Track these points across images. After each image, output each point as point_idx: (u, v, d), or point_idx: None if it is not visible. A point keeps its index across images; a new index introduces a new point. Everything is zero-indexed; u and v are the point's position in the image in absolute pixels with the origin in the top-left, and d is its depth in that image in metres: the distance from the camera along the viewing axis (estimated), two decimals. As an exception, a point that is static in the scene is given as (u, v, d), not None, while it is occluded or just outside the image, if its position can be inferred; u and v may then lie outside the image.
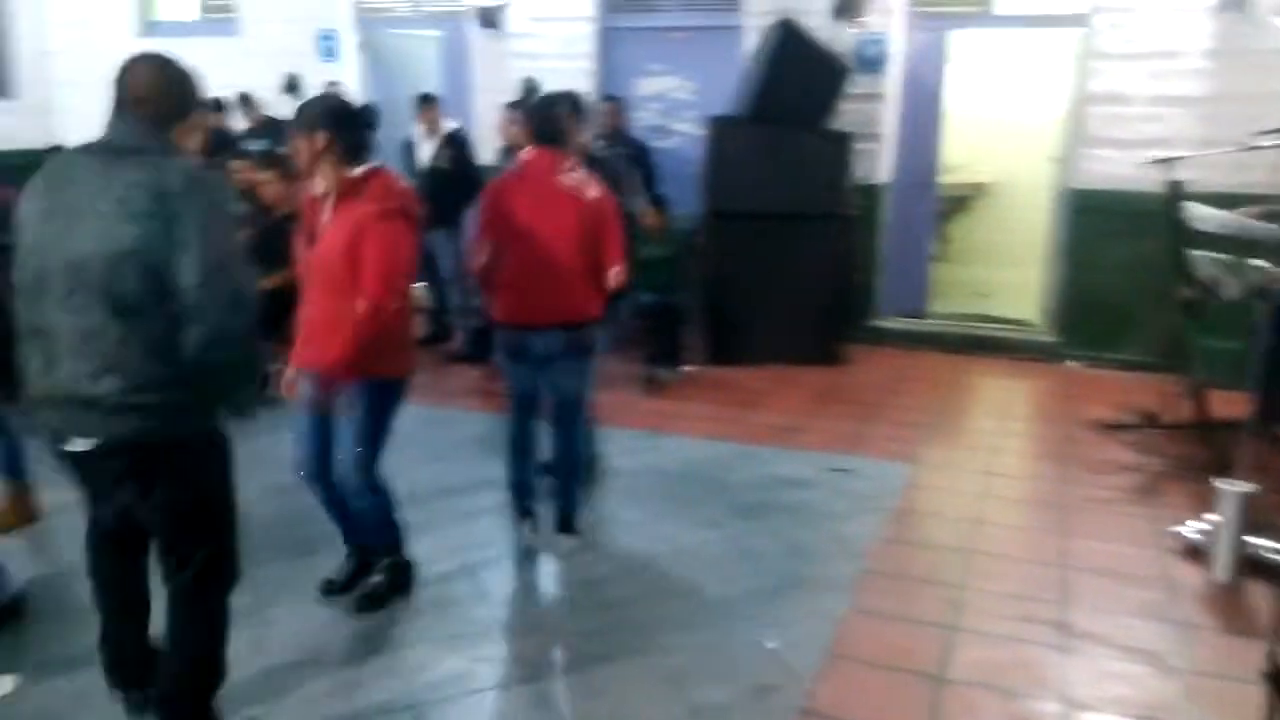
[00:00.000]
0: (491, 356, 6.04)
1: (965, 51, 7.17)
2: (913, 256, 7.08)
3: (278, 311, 5.18)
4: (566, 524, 3.64)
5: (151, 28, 8.80)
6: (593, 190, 3.32)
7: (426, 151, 6.58)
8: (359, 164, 2.83)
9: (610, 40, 7.51)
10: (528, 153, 3.37)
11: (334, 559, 3.29)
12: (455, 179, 6.44)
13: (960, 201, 8.64)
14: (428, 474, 4.24)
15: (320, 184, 2.84)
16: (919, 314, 7.07)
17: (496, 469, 3.68)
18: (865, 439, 4.94)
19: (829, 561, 3.56)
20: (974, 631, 3.07)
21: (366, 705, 2.66)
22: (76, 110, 8.72)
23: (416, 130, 6.69)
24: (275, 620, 3.05)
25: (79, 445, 2.09)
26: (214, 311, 1.98)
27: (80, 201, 2.01)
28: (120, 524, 2.34)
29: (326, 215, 2.84)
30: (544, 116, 3.36)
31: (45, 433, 2.17)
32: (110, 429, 2.06)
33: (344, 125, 2.82)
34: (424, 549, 3.42)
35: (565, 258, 3.26)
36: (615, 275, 3.36)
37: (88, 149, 2.11)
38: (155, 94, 2.10)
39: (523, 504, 3.63)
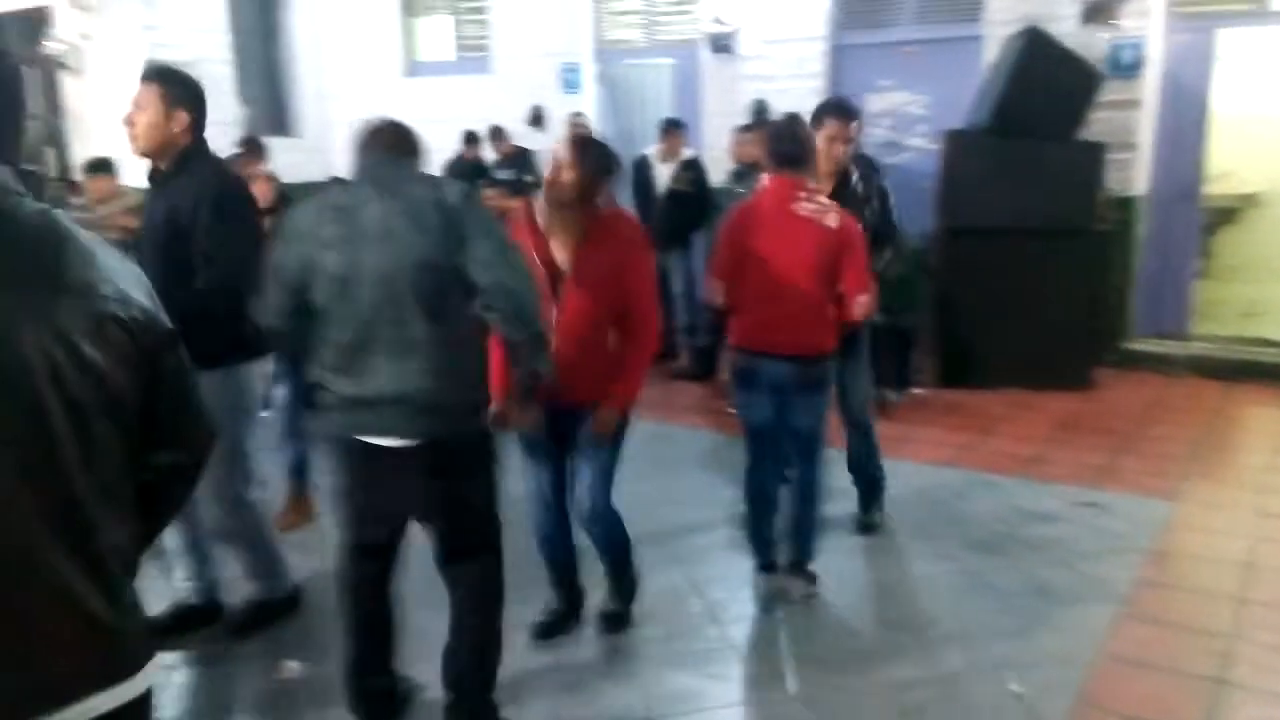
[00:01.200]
0: (716, 375, 6.20)
1: (1235, 52, 6.54)
2: (1173, 273, 6.54)
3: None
4: (800, 567, 3.48)
5: (415, 68, 9.65)
6: (833, 217, 3.19)
7: (664, 174, 6.82)
8: (603, 201, 2.92)
9: (841, 58, 7.47)
10: (766, 179, 3.31)
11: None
12: (691, 202, 6.64)
13: (1228, 213, 7.84)
14: (654, 490, 4.29)
15: (558, 218, 2.87)
16: (1179, 336, 6.51)
17: (721, 485, 3.75)
18: (1117, 472, 4.62)
19: (1079, 603, 3.37)
20: (1246, 688, 2.82)
21: (605, 713, 2.80)
22: (348, 146, 9.71)
23: (654, 152, 6.95)
24: (510, 628, 3.20)
25: (389, 442, 2.38)
26: (513, 289, 2.32)
27: (377, 224, 2.32)
28: (385, 536, 2.57)
29: (559, 250, 2.88)
30: (781, 141, 3.28)
31: (349, 433, 2.43)
32: (420, 427, 2.37)
33: (613, 168, 2.94)
34: (654, 565, 3.49)
35: (802, 288, 3.18)
36: (861, 305, 3.22)
37: (364, 182, 2.44)
38: (403, 139, 2.56)
39: (763, 558, 3.49)
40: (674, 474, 4.64)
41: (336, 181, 9.10)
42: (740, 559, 3.69)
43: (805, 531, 3.47)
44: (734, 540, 3.83)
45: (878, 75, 7.39)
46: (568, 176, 2.78)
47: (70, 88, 9.12)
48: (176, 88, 2.91)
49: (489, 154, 8.41)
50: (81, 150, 9.07)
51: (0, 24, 9.81)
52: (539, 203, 2.92)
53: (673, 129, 6.88)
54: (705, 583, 3.59)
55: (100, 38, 8.34)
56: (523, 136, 8.51)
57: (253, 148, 6.35)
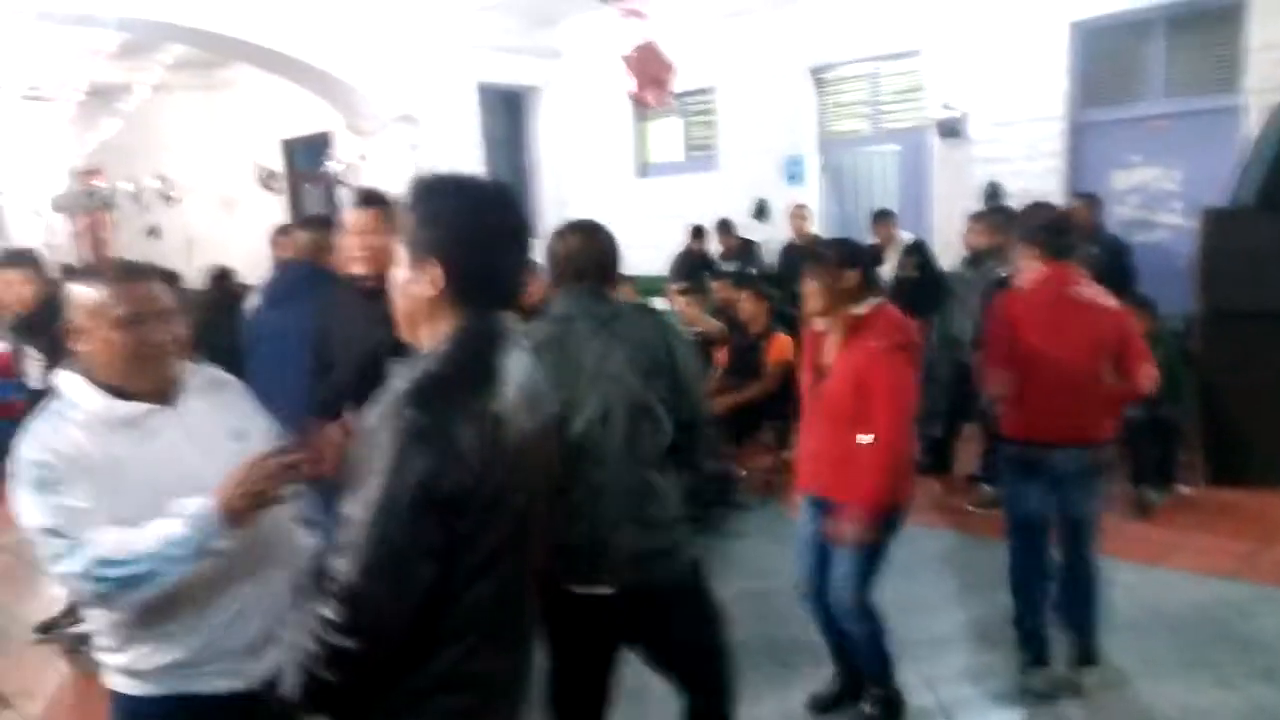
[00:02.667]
0: (951, 469, 5.95)
1: None
2: None
3: (750, 421, 5.62)
4: (1087, 655, 3.38)
5: (646, 169, 10.17)
6: (1110, 301, 3.22)
7: (886, 264, 6.76)
8: (866, 300, 2.96)
9: (1081, 135, 7.16)
10: (1039, 269, 3.29)
11: (813, 671, 3.41)
12: (920, 286, 6.53)
13: None
14: (891, 595, 4.17)
15: (825, 319, 2.98)
16: None
17: (966, 591, 3.57)
18: None
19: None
20: None
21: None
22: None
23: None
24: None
25: (593, 592, 2.28)
26: (701, 423, 2.43)
27: (590, 368, 2.28)
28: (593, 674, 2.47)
29: (830, 349, 2.98)
30: (1060, 235, 3.30)
31: (570, 578, 2.32)
32: (626, 576, 2.27)
33: (868, 263, 3.04)
34: (899, 676, 3.37)
35: (1087, 373, 3.16)
36: (1148, 375, 3.18)
37: (573, 318, 2.36)
38: (593, 263, 2.40)
39: (1036, 652, 3.37)
40: (912, 578, 4.40)
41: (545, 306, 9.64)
42: (988, 674, 3.50)
43: (1089, 618, 3.38)
44: (978, 651, 3.63)
45: (1124, 151, 7.02)
46: (811, 291, 2.94)
47: (345, 200, 10.30)
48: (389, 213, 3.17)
49: (715, 247, 8.66)
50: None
51: (292, 147, 11.33)
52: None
53: (882, 219, 6.85)
54: (956, 704, 3.40)
55: (373, 157, 9.41)
56: (747, 229, 8.72)
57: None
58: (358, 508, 1.38)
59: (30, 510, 1.71)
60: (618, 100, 9.80)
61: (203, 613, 1.84)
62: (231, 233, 11.78)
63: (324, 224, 3.65)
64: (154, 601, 1.76)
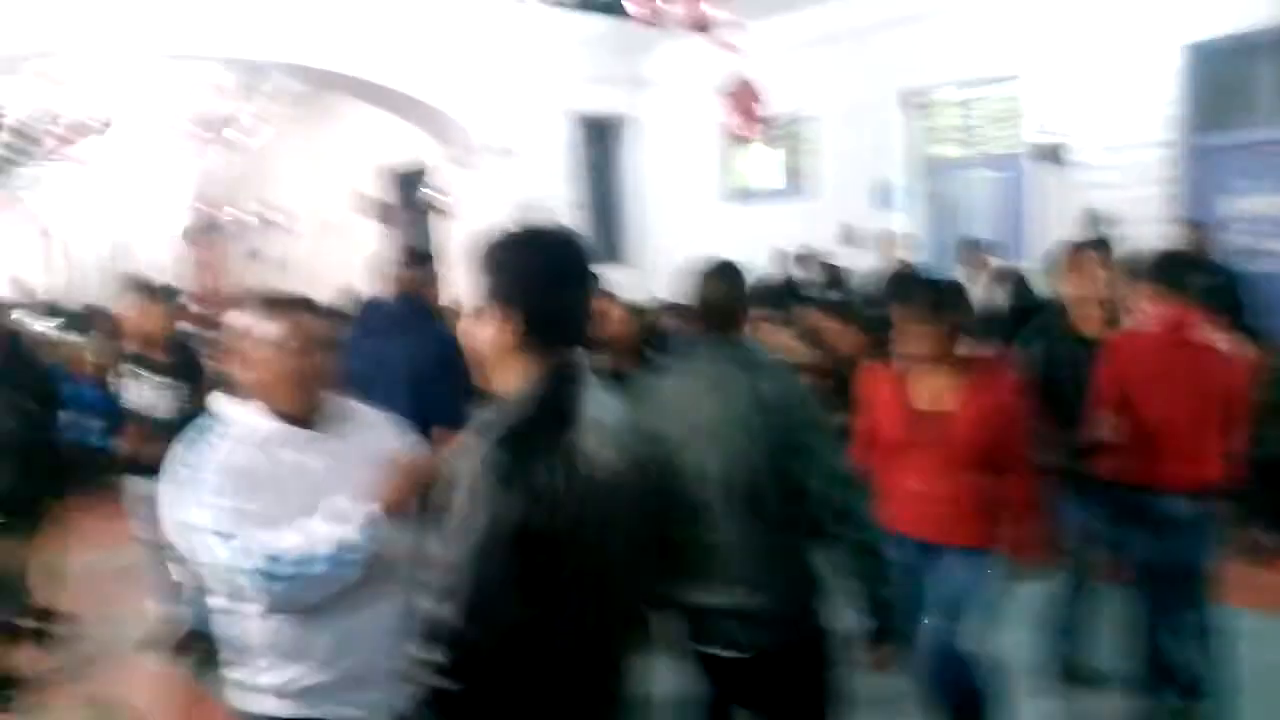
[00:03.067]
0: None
1: None
2: None
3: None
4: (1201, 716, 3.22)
5: (734, 195, 10.17)
6: (1229, 346, 3.14)
7: (976, 294, 6.61)
8: (966, 339, 2.91)
9: (1193, 160, 6.90)
10: (1157, 311, 3.19)
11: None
12: (1012, 316, 6.35)
13: None
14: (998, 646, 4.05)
15: (926, 361, 2.90)
16: None
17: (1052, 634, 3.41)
18: None
19: None
20: None
21: None
22: (672, 270, 10.35)
23: (961, 274, 6.79)
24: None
25: (730, 655, 2.22)
26: (844, 502, 2.20)
27: (705, 423, 2.20)
28: None
29: (930, 391, 2.89)
30: (1172, 268, 3.21)
31: (691, 638, 2.29)
32: (759, 638, 2.20)
33: (964, 302, 2.98)
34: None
35: (1201, 417, 3.07)
36: (1239, 439, 3.10)
37: (699, 366, 2.31)
38: (718, 306, 2.34)
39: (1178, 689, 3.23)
40: (1015, 628, 4.26)
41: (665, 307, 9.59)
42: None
43: (1203, 672, 3.23)
44: (1085, 699, 3.48)
45: (1234, 177, 6.74)
46: (918, 334, 2.85)
47: (440, 227, 10.59)
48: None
49: (802, 273, 8.60)
50: (447, 280, 10.44)
51: (391, 176, 11.69)
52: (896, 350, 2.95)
53: (971, 248, 6.72)
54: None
55: (468, 185, 9.64)
56: (837, 256, 8.64)
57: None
58: (446, 549, 1.43)
59: (200, 515, 1.81)
60: (707, 127, 9.86)
61: (324, 638, 1.90)
62: (331, 258, 12.20)
63: (426, 259, 3.80)
64: (286, 621, 1.85)
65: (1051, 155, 7.40)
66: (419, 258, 3.93)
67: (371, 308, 3.98)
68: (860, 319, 6.03)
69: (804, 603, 2.26)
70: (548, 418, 1.48)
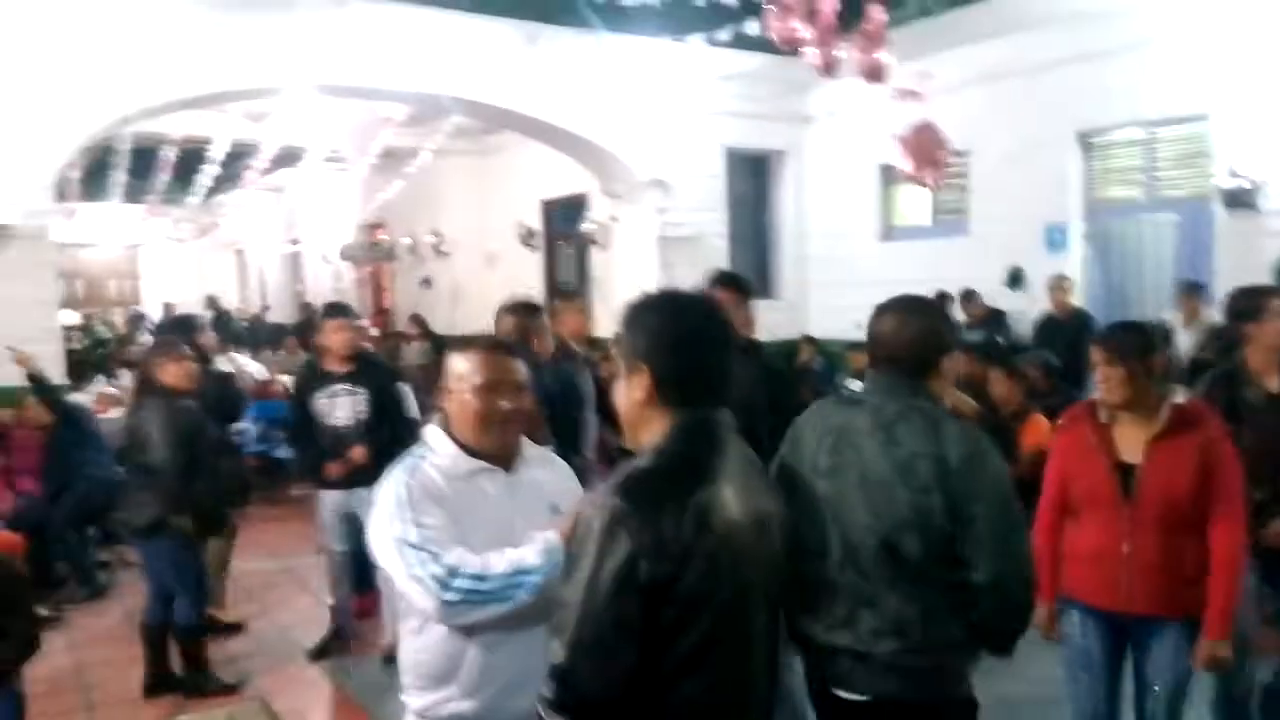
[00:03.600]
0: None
1: None
2: None
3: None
4: None
5: (891, 233, 9.98)
6: None
7: (1184, 341, 6.22)
8: (1168, 386, 2.74)
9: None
10: None
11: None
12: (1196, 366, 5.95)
13: None
14: None
15: (1127, 410, 2.72)
16: None
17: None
18: None
19: None
20: None
21: None
22: (826, 306, 10.24)
23: (1172, 318, 6.42)
24: None
25: (849, 697, 2.12)
26: (1005, 587, 1.98)
27: (861, 466, 2.06)
28: None
29: (1131, 443, 2.70)
30: None
31: (816, 680, 2.21)
32: (881, 686, 2.06)
33: (1167, 346, 2.85)
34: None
35: None
36: None
37: (859, 403, 2.17)
38: (905, 348, 2.11)
39: None
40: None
41: (806, 341, 9.50)
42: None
43: None
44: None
45: None
46: (1111, 379, 2.68)
47: (596, 259, 10.86)
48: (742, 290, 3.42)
49: (960, 315, 8.32)
50: (603, 312, 10.69)
51: (550, 207, 12.08)
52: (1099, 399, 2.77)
53: (1192, 291, 6.31)
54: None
55: (624, 218, 9.85)
56: (997, 298, 8.32)
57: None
58: (569, 589, 1.49)
59: (396, 527, 1.93)
60: (865, 163, 9.72)
61: (490, 671, 1.98)
62: (492, 285, 12.69)
63: (533, 310, 4.02)
64: (445, 640, 1.95)
65: (1242, 200, 6.89)
66: (524, 309, 4.13)
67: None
68: (1022, 368, 5.78)
69: (941, 659, 2.08)
70: (678, 471, 1.53)
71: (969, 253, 8.85)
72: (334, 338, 4.58)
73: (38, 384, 5.75)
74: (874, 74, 4.04)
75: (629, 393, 1.61)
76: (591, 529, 1.47)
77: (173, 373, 4.21)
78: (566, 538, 1.89)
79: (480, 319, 12.36)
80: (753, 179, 10.59)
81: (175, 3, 6.58)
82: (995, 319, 8.05)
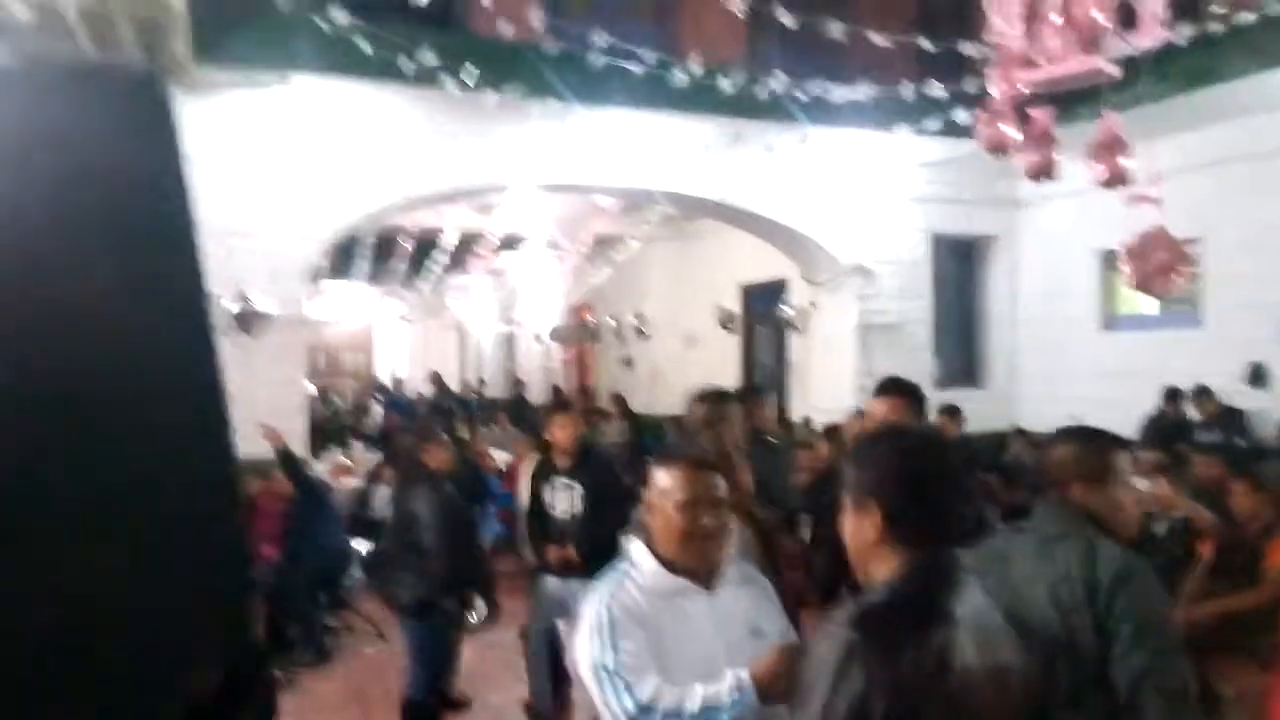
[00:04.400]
0: None
1: None
2: None
3: (1237, 634, 4.73)
4: None
5: (1113, 322, 9.39)
6: None
7: None
8: None
9: None
10: None
11: None
12: None
13: None
14: None
15: None
16: None
17: None
18: None
19: None
20: None
21: None
22: (1038, 397, 9.73)
23: None
24: None
25: None
26: (1154, 714, 1.92)
27: (1013, 585, 2.06)
28: None
29: None
30: None
31: None
32: None
33: None
34: None
35: None
36: None
37: (1021, 530, 2.21)
38: (1070, 475, 2.18)
39: None
40: None
41: (1017, 434, 9.04)
42: None
43: None
44: None
45: None
46: None
47: (795, 344, 10.87)
48: (917, 398, 3.28)
49: (1194, 413, 7.69)
50: (800, 396, 10.66)
51: (749, 291, 12.25)
52: None
53: None
54: None
55: (824, 304, 9.85)
56: (1234, 396, 7.63)
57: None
58: None
59: (595, 650, 1.99)
60: (1083, 247, 9.26)
61: None
62: (691, 367, 12.95)
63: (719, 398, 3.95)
64: None
65: None
66: (715, 396, 4.05)
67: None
68: (1272, 476, 5.23)
69: None
70: (909, 609, 1.49)
71: (1201, 345, 8.19)
72: (559, 434, 4.84)
73: (285, 458, 6.37)
74: (1117, 180, 3.90)
75: (858, 529, 1.60)
76: (824, 663, 1.45)
77: (437, 457, 4.55)
78: (764, 676, 1.90)
79: (678, 400, 12.60)
80: (960, 264, 10.32)
81: (418, 112, 7.32)
82: (1234, 419, 7.39)
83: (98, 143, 1.05)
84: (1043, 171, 3.78)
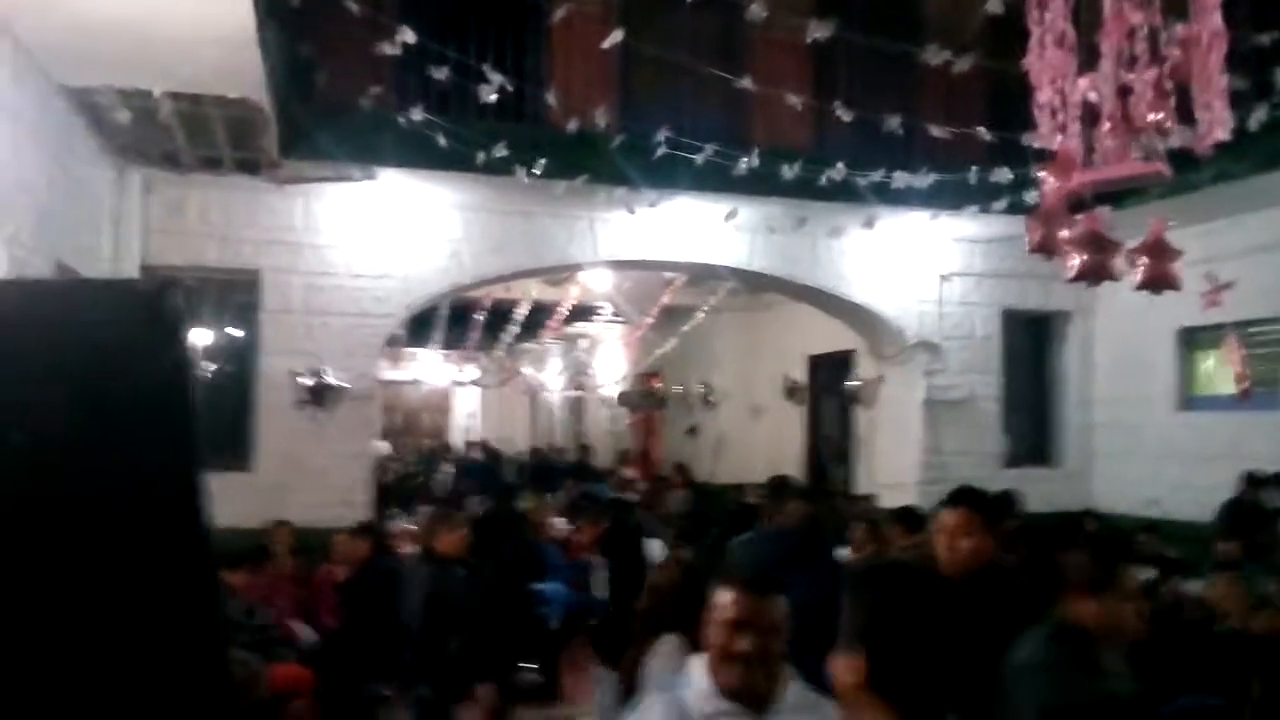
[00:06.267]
0: None
1: None
2: None
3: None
4: None
5: (1191, 402, 9.11)
6: None
7: None
8: None
9: None
10: None
11: None
12: None
13: None
14: None
15: None
16: None
17: None
18: None
19: None
20: None
21: None
22: (1112, 478, 9.47)
23: None
24: None
25: None
26: None
27: None
28: None
29: None
30: None
31: None
32: None
33: None
34: None
35: None
36: None
37: None
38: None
39: None
40: None
41: (1088, 515, 8.82)
42: None
43: None
44: None
45: None
46: None
47: (861, 417, 10.79)
48: (988, 511, 3.16)
49: (1276, 501, 7.38)
50: (865, 470, 10.56)
51: (816, 363, 12.21)
52: None
53: None
54: None
55: (891, 378, 9.79)
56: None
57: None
58: None
59: None
60: (1161, 324, 9.01)
61: None
62: (756, 437, 12.92)
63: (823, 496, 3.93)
64: None
65: None
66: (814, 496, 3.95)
67: (767, 543, 4.13)
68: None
69: None
70: None
71: (1283, 429, 7.90)
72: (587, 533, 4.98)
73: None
74: (1155, 285, 3.84)
75: (844, 671, 1.52)
76: None
77: (445, 542, 4.65)
78: None
79: (742, 470, 12.62)
80: (1032, 340, 10.15)
81: (492, 197, 7.61)
82: (1321, 510, 7.08)
83: (114, 346, 1.27)
84: (1094, 273, 3.73)
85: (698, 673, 2.09)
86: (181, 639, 1.23)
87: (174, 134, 5.78)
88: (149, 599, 1.21)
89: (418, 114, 6.07)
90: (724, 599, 2.07)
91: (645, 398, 15.77)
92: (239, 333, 7.55)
